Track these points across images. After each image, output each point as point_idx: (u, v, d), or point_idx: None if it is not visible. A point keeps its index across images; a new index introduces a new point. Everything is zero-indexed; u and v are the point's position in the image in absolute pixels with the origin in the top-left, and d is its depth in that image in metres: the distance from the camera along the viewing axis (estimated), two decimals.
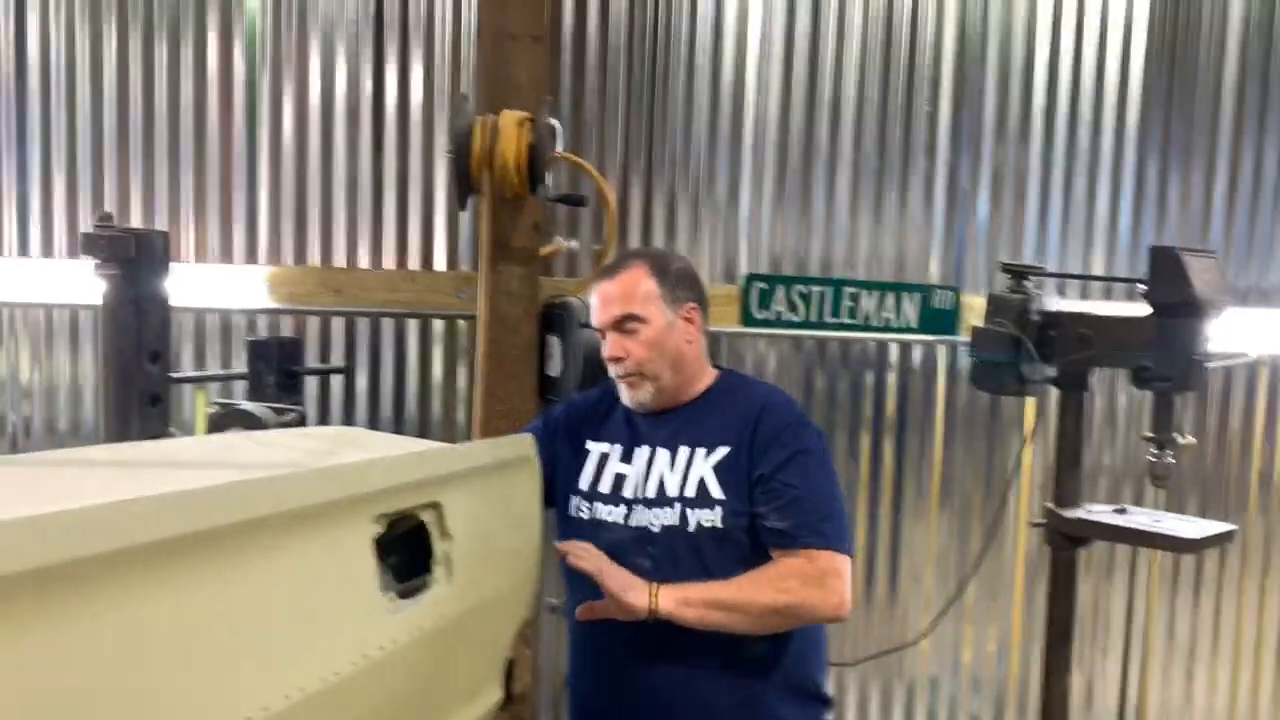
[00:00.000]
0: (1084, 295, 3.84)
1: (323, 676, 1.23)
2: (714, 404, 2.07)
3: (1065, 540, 3.15)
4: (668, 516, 1.96)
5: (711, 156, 3.64)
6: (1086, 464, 3.81)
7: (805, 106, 3.65)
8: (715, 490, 1.95)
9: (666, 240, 3.62)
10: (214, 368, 3.53)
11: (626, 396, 2.08)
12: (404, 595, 1.47)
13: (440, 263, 3.56)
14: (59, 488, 1.09)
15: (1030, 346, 3.11)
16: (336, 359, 3.55)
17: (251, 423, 2.67)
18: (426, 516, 1.50)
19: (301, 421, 2.73)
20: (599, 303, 2.07)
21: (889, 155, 3.70)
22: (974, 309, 3.58)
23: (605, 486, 2.05)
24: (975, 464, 3.85)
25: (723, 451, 1.97)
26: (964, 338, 3.55)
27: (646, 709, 1.98)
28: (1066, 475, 3.19)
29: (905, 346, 3.78)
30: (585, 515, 2.05)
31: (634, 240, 3.60)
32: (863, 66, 3.66)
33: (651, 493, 1.99)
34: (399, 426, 3.59)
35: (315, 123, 3.51)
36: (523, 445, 1.77)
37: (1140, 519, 3.03)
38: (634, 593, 1.84)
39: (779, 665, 1.98)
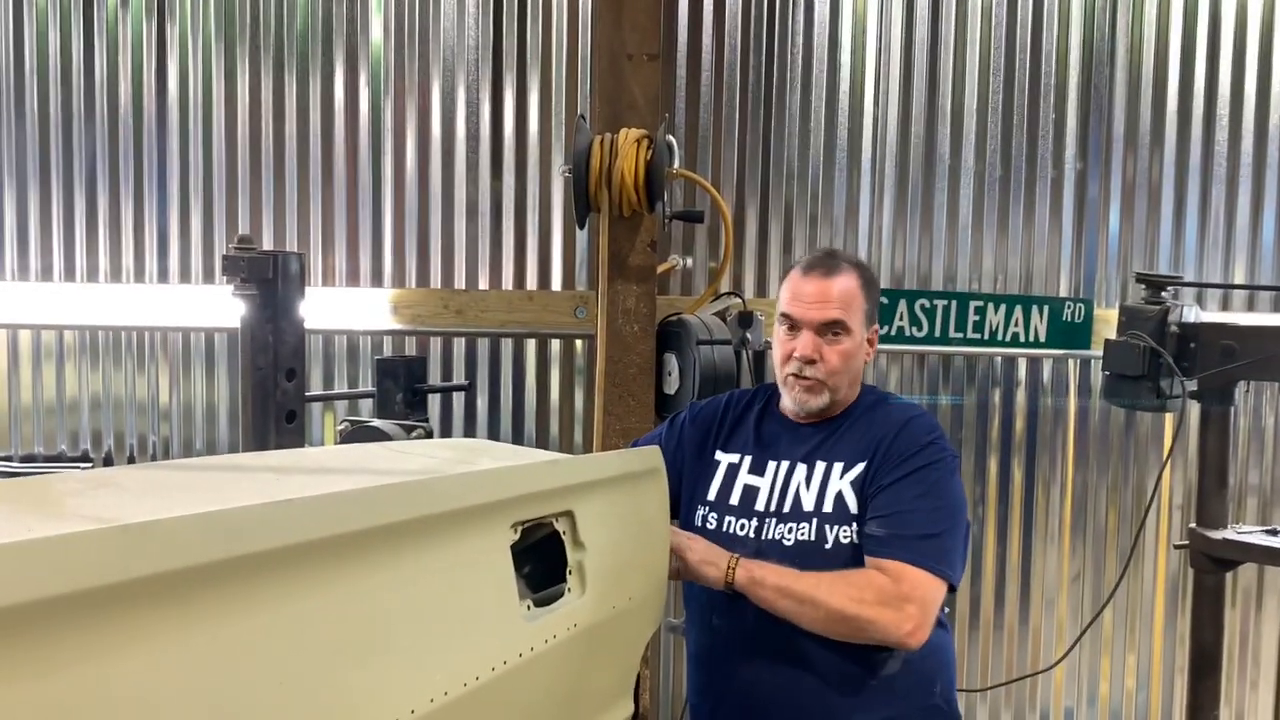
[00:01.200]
0: (1225, 306, 3.66)
1: (465, 681, 1.23)
2: (855, 421, 2.02)
3: (1211, 563, 2.98)
4: (803, 531, 1.92)
5: (829, 171, 3.59)
6: (1231, 484, 3.63)
7: (925, 117, 3.58)
8: (853, 506, 1.90)
9: (783, 257, 3.58)
10: (341, 388, 3.63)
11: (796, 400, 2.00)
12: (539, 604, 1.47)
13: (557, 283, 3.60)
14: (214, 490, 1.12)
15: (1169, 360, 2.98)
16: (458, 378, 3.61)
17: (381, 439, 2.73)
18: (561, 525, 1.50)
19: (429, 436, 2.77)
20: (807, 296, 1.96)
21: (1014, 166, 3.59)
22: (1107, 322, 3.45)
23: (735, 499, 2.01)
24: (1110, 484, 3.69)
25: (859, 468, 1.92)
26: (1097, 352, 3.42)
27: None
28: (1211, 495, 3.03)
29: (1035, 362, 3.66)
30: (713, 526, 2.01)
31: (750, 259, 3.58)
32: (984, 75, 3.58)
33: (787, 507, 1.95)
34: (518, 444, 3.62)
35: (436, 148, 3.60)
36: (651, 457, 1.75)
37: None
38: (711, 566, 1.83)
39: (913, 686, 1.91)
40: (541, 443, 3.63)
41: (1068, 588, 3.70)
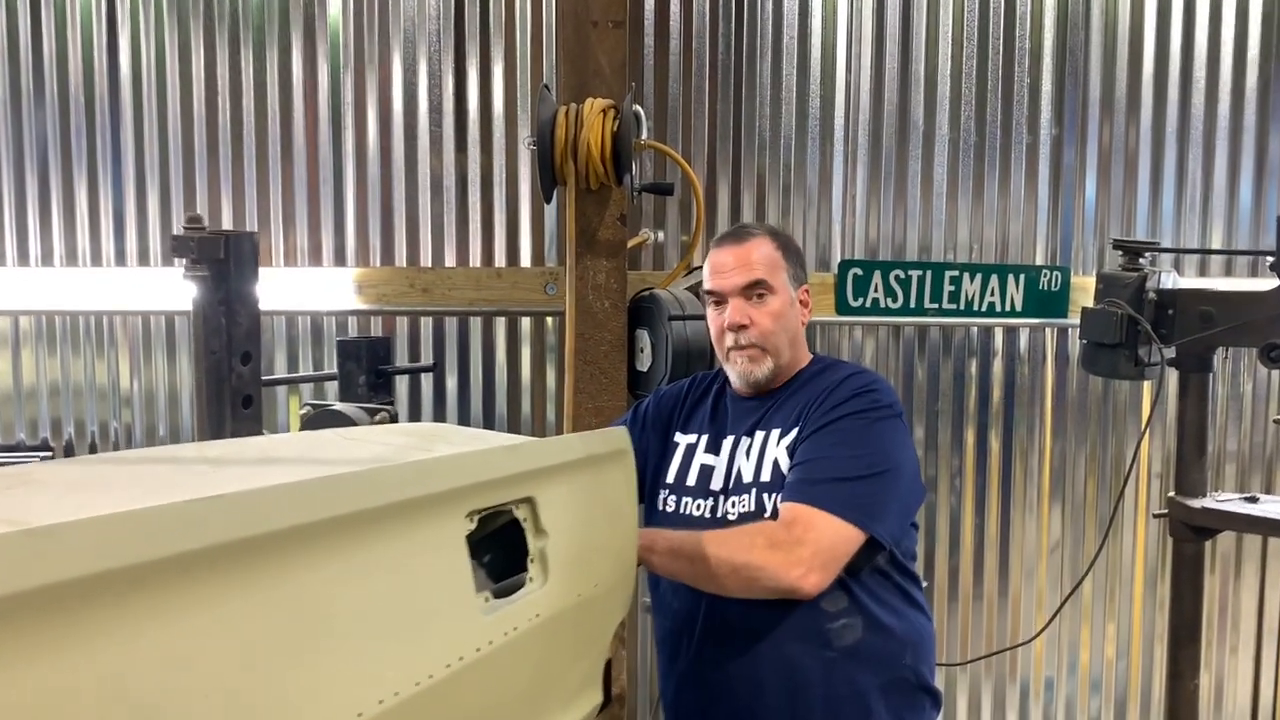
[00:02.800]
0: (1202, 271, 3.63)
1: (417, 680, 1.17)
2: (799, 387, 1.98)
3: (1190, 532, 2.96)
4: (744, 503, 1.89)
5: (801, 140, 3.52)
6: (1209, 451, 3.61)
7: (899, 84, 3.51)
8: (788, 471, 1.85)
9: None
10: (307, 369, 3.54)
11: (740, 373, 1.97)
12: (498, 595, 1.41)
13: (526, 259, 3.52)
14: (140, 487, 1.05)
15: (1148, 327, 2.94)
16: (426, 358, 3.53)
17: (343, 423, 2.65)
18: (520, 512, 1.44)
19: (393, 420, 2.70)
20: (722, 267, 1.95)
21: (989, 132, 3.53)
22: (1084, 290, 3.40)
23: (691, 479, 1.98)
24: (1089, 453, 3.66)
25: (795, 432, 1.88)
26: (1074, 320, 3.37)
27: (740, 703, 1.90)
28: (1190, 463, 3.01)
29: (1011, 331, 3.61)
30: (672, 509, 1.98)
31: (722, 228, 3.49)
32: (958, 38, 3.51)
33: (732, 482, 1.93)
34: (489, 424, 3.55)
35: (399, 123, 3.50)
36: (617, 438, 1.69)
37: (1276, 508, 2.84)
38: None
39: (878, 658, 1.88)
40: (513, 422, 3.56)
41: (1047, 558, 3.68)
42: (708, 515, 1.93)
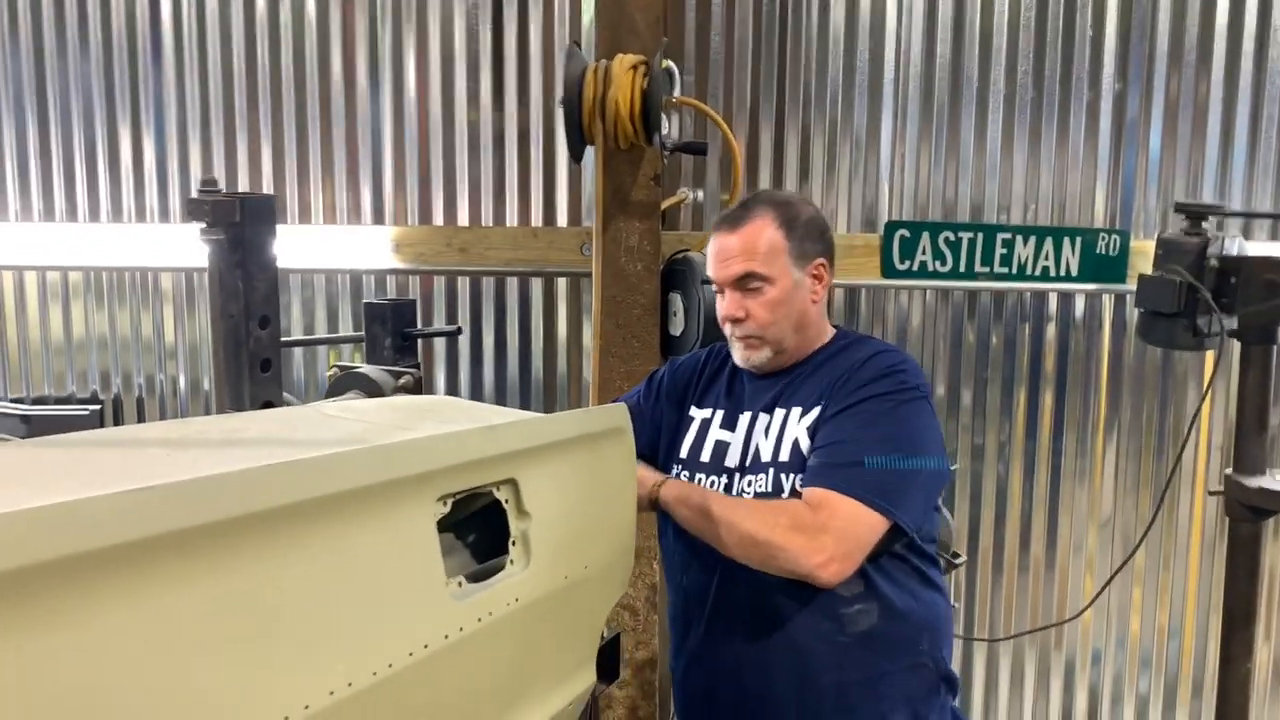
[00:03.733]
0: (1275, 237, 3.43)
1: (375, 669, 1.14)
2: (820, 363, 1.90)
3: (1247, 511, 2.83)
4: (761, 483, 1.83)
5: (848, 95, 3.38)
6: (1274, 426, 3.44)
7: (951, 36, 3.34)
8: (808, 451, 1.79)
9: (800, 187, 3.40)
10: (346, 328, 3.55)
11: (740, 357, 1.93)
12: (478, 578, 1.38)
13: (563, 219, 3.46)
14: (81, 474, 1.03)
15: (1207, 296, 2.78)
16: (463, 318, 3.52)
17: (367, 385, 2.64)
18: (502, 494, 1.40)
19: (417, 384, 2.68)
20: (717, 255, 1.90)
21: (1047, 87, 3.35)
22: (1144, 255, 3.24)
23: (706, 455, 1.92)
24: (1145, 424, 3.51)
25: (815, 412, 1.81)
26: (1133, 286, 3.21)
27: (748, 686, 1.85)
28: (1249, 439, 2.85)
29: (1066, 297, 3.46)
30: None
31: (765, 188, 3.39)
32: None
33: (749, 460, 1.87)
34: (524, 385, 3.54)
35: (436, 79, 3.45)
36: (614, 416, 1.64)
37: None
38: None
39: (894, 644, 1.81)
40: (549, 383, 3.53)
41: (1098, 530, 3.55)
42: (721, 491, 1.87)
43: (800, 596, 1.78)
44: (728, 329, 1.92)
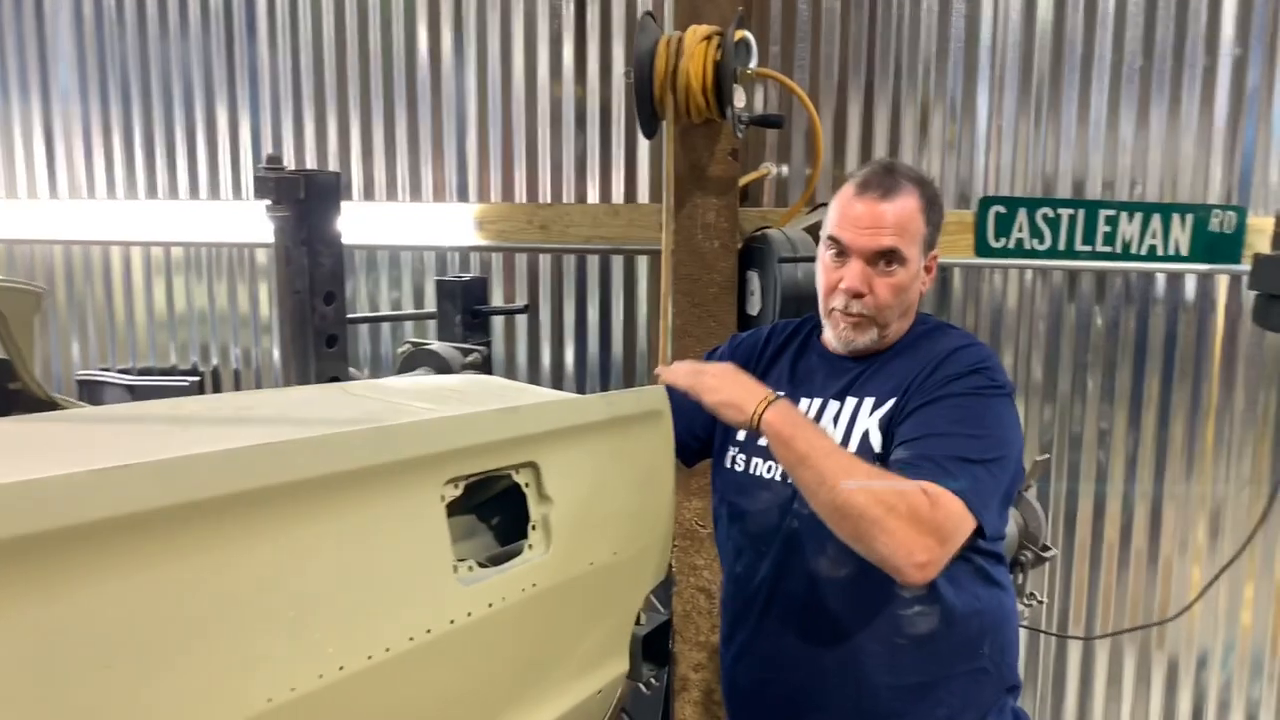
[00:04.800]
0: None
1: (368, 653, 1.13)
2: (898, 354, 1.78)
3: None
4: None
5: (941, 64, 3.23)
6: None
7: (1053, 1, 3.16)
8: (878, 445, 1.68)
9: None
10: (431, 305, 3.58)
11: (840, 337, 1.78)
12: (500, 562, 1.35)
13: (644, 195, 3.41)
14: (77, 449, 1.04)
15: None
16: (543, 296, 3.51)
17: (436, 362, 2.67)
18: (522, 477, 1.37)
19: (485, 360, 2.69)
20: (861, 221, 1.70)
21: (1158, 54, 3.13)
22: (1263, 233, 3.01)
23: (764, 439, 1.83)
24: (1261, 414, 3.27)
25: (890, 404, 1.70)
26: (1248, 267, 2.99)
27: (799, 683, 1.78)
28: None
29: (1175, 278, 3.24)
30: (740, 469, 1.85)
31: (852, 165, 3.28)
32: None
33: None
34: (604, 364, 3.52)
35: (519, 55, 3.44)
36: (650, 398, 1.59)
37: None
38: (733, 409, 1.59)
39: (953, 648, 1.71)
40: (629, 362, 3.50)
41: (1207, 522, 3.34)
42: (779, 479, 1.79)
43: (858, 594, 1.70)
44: (837, 301, 1.74)
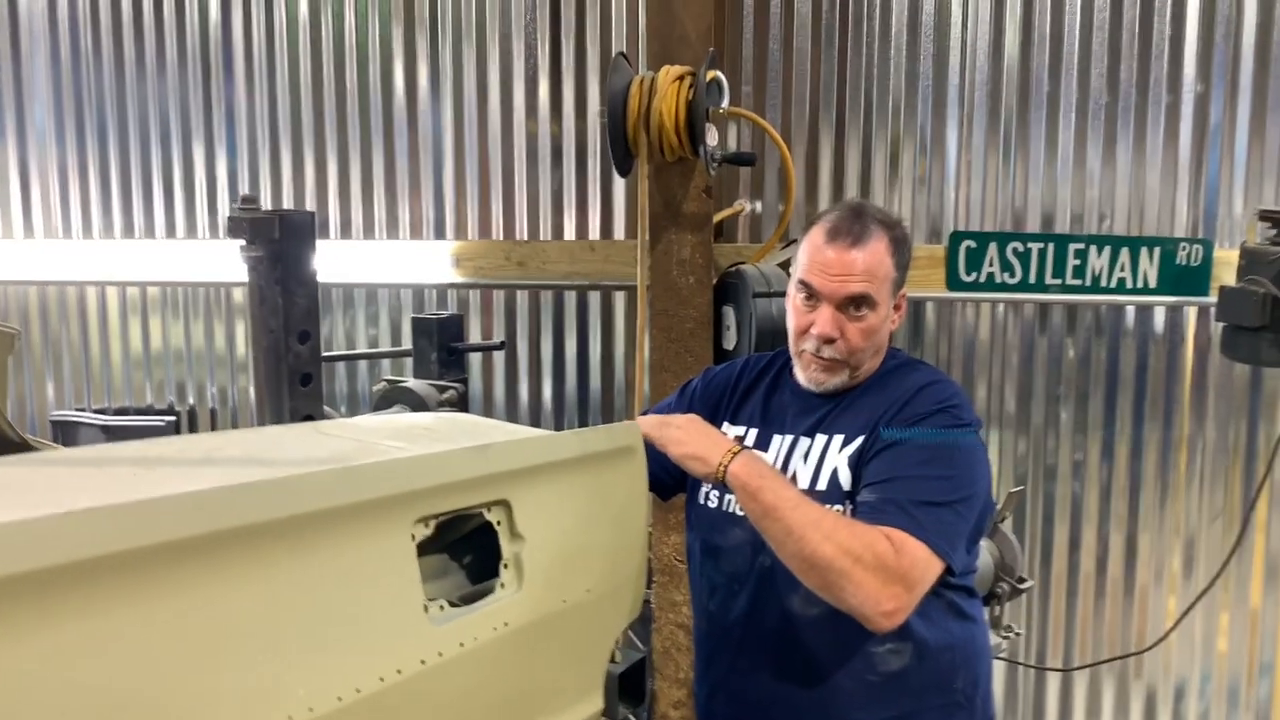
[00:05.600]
0: None
1: (339, 695, 1.12)
2: (867, 390, 1.79)
3: None
4: None
5: (911, 102, 3.28)
6: None
7: (1020, 40, 3.22)
8: (846, 483, 1.69)
9: (861, 196, 3.31)
10: (409, 343, 3.59)
11: (812, 378, 1.78)
12: (468, 601, 1.35)
13: (620, 231, 3.44)
14: (36, 493, 1.04)
15: None
16: (521, 332, 3.53)
17: (413, 399, 2.67)
18: (494, 515, 1.37)
19: (461, 398, 2.69)
20: (832, 267, 1.71)
21: (1122, 91, 3.19)
22: (1229, 265, 3.06)
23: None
24: (1233, 444, 3.31)
25: (859, 441, 1.71)
26: (1215, 299, 3.04)
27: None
28: None
29: (1145, 310, 3.29)
30: (714, 504, 1.85)
31: (824, 201, 3.32)
32: None
33: None
34: (582, 399, 3.53)
35: (495, 93, 3.47)
36: (623, 435, 1.59)
37: None
38: (698, 462, 1.61)
39: (926, 683, 1.72)
40: (606, 396, 3.51)
41: (1180, 554, 3.36)
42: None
43: (830, 631, 1.70)
44: (808, 344, 1.75)
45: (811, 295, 1.74)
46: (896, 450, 1.64)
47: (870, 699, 1.70)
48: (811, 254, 1.75)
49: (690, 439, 1.65)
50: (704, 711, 1.92)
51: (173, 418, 3.75)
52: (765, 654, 1.77)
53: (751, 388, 1.94)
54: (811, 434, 1.78)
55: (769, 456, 1.81)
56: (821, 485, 1.71)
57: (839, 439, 1.74)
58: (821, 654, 1.71)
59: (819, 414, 1.80)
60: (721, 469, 1.59)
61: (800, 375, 1.82)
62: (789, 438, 1.81)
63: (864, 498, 1.62)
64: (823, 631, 1.70)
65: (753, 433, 1.87)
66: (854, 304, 1.72)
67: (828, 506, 1.65)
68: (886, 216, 1.80)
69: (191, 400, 3.79)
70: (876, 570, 1.50)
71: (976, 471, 1.67)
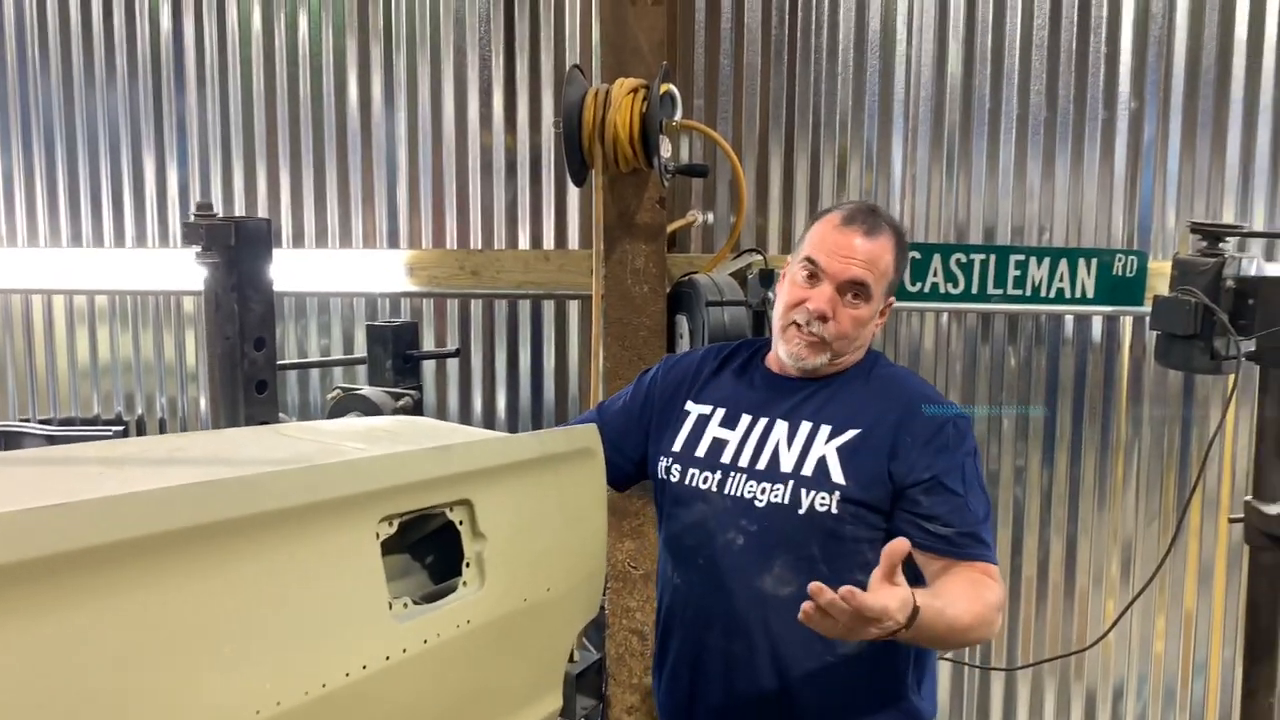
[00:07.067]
0: None
1: (305, 689, 1.14)
2: (850, 383, 1.87)
3: (1267, 539, 2.75)
4: (777, 493, 1.78)
5: (858, 116, 3.36)
6: None
7: (963, 57, 3.31)
8: (836, 473, 1.76)
9: (809, 210, 3.38)
10: (362, 352, 3.59)
11: (793, 353, 1.83)
12: (431, 599, 1.38)
13: (574, 241, 3.48)
14: (16, 489, 1.05)
15: (1224, 318, 2.72)
16: (475, 341, 3.54)
17: (368, 407, 2.67)
18: (456, 515, 1.40)
19: (416, 405, 2.71)
20: (841, 249, 1.79)
21: (1061, 106, 3.30)
22: (1163, 276, 3.16)
23: (701, 450, 1.88)
24: (1167, 449, 3.42)
25: (851, 434, 1.78)
26: (1149, 308, 3.14)
27: (730, 699, 1.84)
28: (1269, 465, 2.78)
29: (1083, 320, 3.39)
30: (675, 479, 1.90)
31: (774, 213, 3.39)
32: (1028, 7, 3.28)
33: (762, 465, 1.82)
34: (537, 408, 3.55)
35: (449, 104, 3.50)
36: (582, 436, 1.64)
37: None
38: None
39: (876, 670, 1.78)
40: (561, 404, 3.54)
41: (1119, 559, 3.47)
42: (715, 489, 1.84)
43: (795, 612, 1.75)
44: (799, 315, 1.80)
45: (814, 275, 1.82)
46: (945, 479, 1.76)
47: (827, 682, 1.77)
48: (824, 234, 1.84)
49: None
50: (666, 685, 1.96)
51: (120, 428, 3.71)
52: (726, 629, 1.81)
53: (717, 371, 2.00)
54: (792, 419, 1.85)
55: (735, 435, 1.88)
56: (807, 470, 1.78)
57: (826, 429, 1.81)
58: (783, 633, 1.76)
59: (797, 398, 1.87)
60: (909, 619, 1.49)
61: (781, 349, 1.88)
62: (764, 419, 1.87)
63: (939, 531, 1.73)
64: (788, 610, 1.74)
65: (720, 412, 1.92)
66: (853, 290, 1.80)
67: (812, 492, 1.76)
68: (896, 222, 1.92)
69: (140, 410, 3.75)
70: (998, 611, 1.72)
71: (980, 465, 1.84)
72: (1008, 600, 1.78)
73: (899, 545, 1.47)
